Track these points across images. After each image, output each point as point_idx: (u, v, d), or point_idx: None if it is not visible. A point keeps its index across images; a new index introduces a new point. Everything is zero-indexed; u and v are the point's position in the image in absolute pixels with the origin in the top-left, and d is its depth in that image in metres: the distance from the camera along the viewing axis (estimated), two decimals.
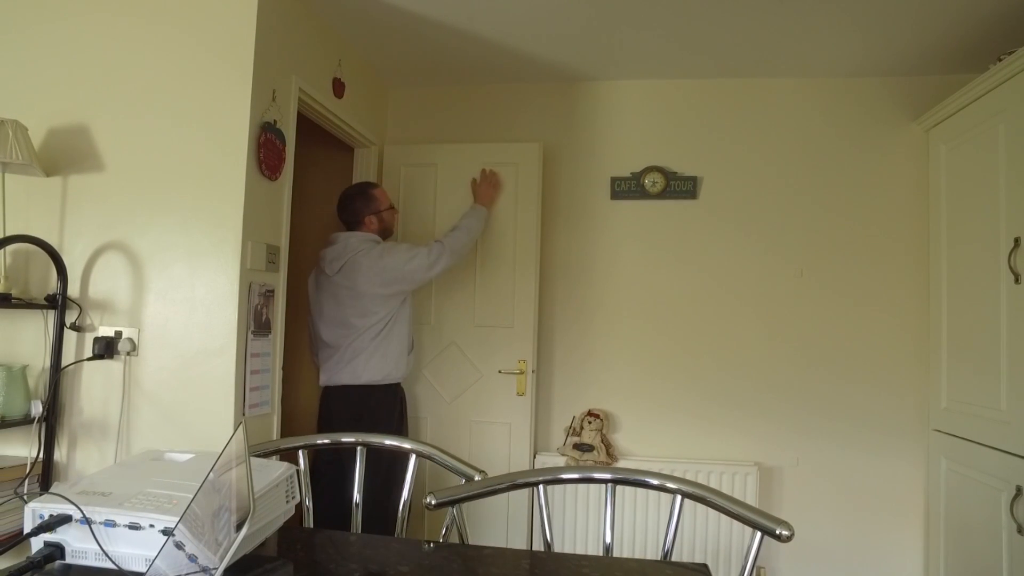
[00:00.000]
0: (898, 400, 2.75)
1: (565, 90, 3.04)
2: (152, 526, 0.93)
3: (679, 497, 1.18)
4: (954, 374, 2.52)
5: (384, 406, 2.47)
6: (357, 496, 1.42)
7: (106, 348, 1.96)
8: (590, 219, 2.99)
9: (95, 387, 1.99)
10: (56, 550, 0.94)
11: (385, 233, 2.60)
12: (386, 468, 2.25)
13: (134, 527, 0.93)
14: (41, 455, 1.92)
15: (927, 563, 2.66)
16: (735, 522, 1.13)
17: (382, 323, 2.44)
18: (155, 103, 2.01)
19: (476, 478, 1.29)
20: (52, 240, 1.98)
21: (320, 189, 3.11)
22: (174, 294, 1.97)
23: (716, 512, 1.15)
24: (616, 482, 1.25)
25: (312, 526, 1.40)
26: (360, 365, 2.41)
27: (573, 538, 2.74)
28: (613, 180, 2.97)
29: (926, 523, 2.68)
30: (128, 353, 1.97)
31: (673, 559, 1.15)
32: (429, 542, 1.19)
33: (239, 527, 0.88)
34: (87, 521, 0.93)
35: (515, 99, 3.07)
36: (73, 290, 2.00)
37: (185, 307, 1.96)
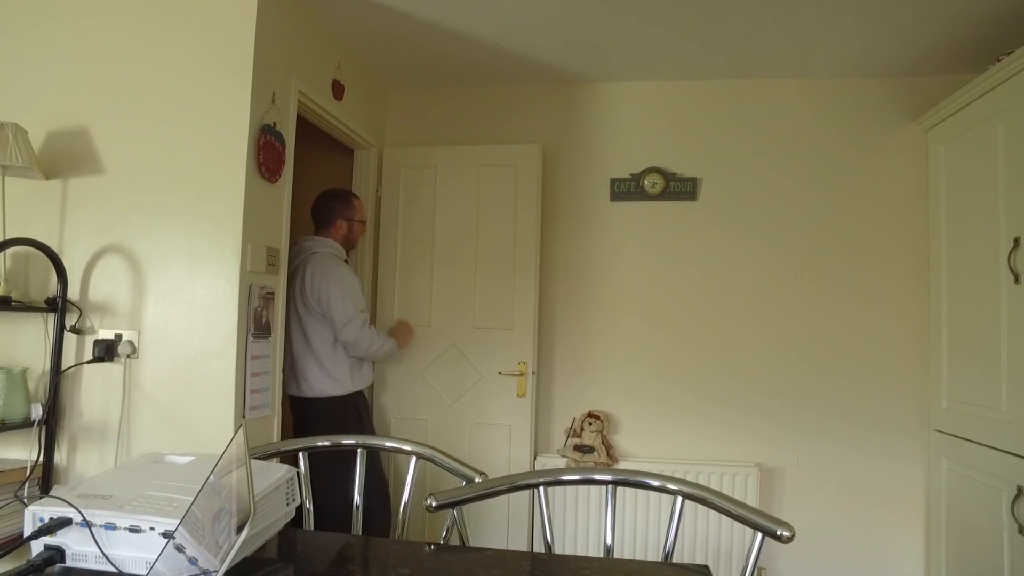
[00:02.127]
0: (898, 400, 2.75)
1: (564, 91, 3.04)
2: (152, 529, 0.93)
3: (680, 498, 1.18)
4: (954, 374, 2.52)
5: (335, 418, 2.40)
6: (358, 498, 1.42)
7: (106, 351, 1.96)
8: (590, 220, 2.99)
9: (95, 390, 1.99)
10: (56, 553, 0.94)
11: (349, 243, 2.59)
12: (345, 469, 2.13)
13: (134, 530, 0.93)
14: (41, 458, 1.92)
15: (928, 564, 2.66)
16: (736, 523, 1.13)
17: (328, 337, 2.39)
18: (155, 106, 2.01)
19: (477, 480, 1.29)
20: (52, 243, 1.98)
21: (320, 191, 3.11)
22: (174, 296, 1.97)
23: (717, 513, 1.15)
24: (617, 483, 1.25)
25: (313, 528, 1.39)
26: (308, 378, 2.39)
27: (574, 540, 2.74)
28: (613, 181, 2.97)
29: (927, 523, 2.68)
30: (128, 356, 1.97)
31: (674, 560, 1.15)
32: (430, 544, 1.19)
33: (239, 530, 0.88)
34: (87, 524, 0.93)
35: (514, 101, 3.08)
36: (73, 293, 2.00)
37: (185, 309, 1.96)
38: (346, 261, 2.55)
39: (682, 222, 2.93)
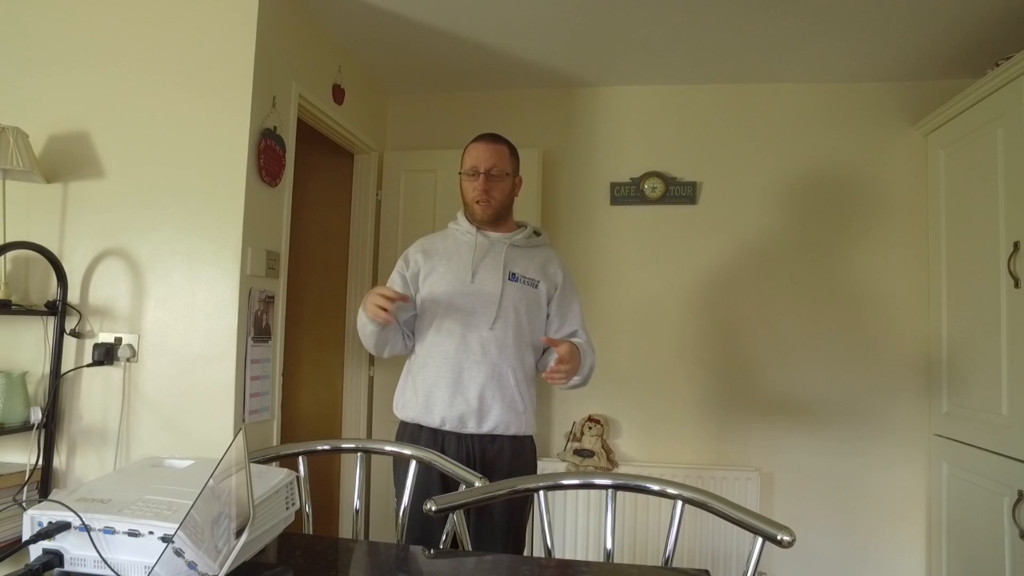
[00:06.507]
0: (899, 405, 2.75)
1: (564, 96, 3.05)
2: (151, 533, 0.92)
3: (680, 503, 1.17)
4: (955, 378, 2.52)
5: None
6: (357, 502, 1.42)
7: (106, 354, 1.96)
8: (589, 225, 2.99)
9: (95, 394, 1.99)
10: (55, 557, 0.94)
11: (468, 208, 1.86)
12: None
13: (133, 534, 0.93)
14: (40, 462, 1.91)
15: (929, 568, 2.65)
16: (736, 528, 1.13)
17: None
18: (156, 110, 2.02)
19: (476, 484, 1.29)
20: (52, 247, 1.98)
21: (320, 195, 3.12)
22: (174, 300, 1.97)
23: (717, 518, 1.14)
24: (617, 488, 1.24)
25: (312, 532, 1.39)
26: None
27: (574, 544, 2.73)
28: (612, 185, 2.98)
29: (928, 528, 2.67)
30: (128, 359, 1.97)
31: (674, 565, 1.14)
32: (429, 549, 1.19)
33: (239, 534, 0.88)
34: (86, 528, 0.93)
35: (514, 105, 3.08)
36: (73, 296, 2.00)
37: (185, 313, 1.96)
38: (479, 231, 1.85)
39: (682, 226, 2.93)
